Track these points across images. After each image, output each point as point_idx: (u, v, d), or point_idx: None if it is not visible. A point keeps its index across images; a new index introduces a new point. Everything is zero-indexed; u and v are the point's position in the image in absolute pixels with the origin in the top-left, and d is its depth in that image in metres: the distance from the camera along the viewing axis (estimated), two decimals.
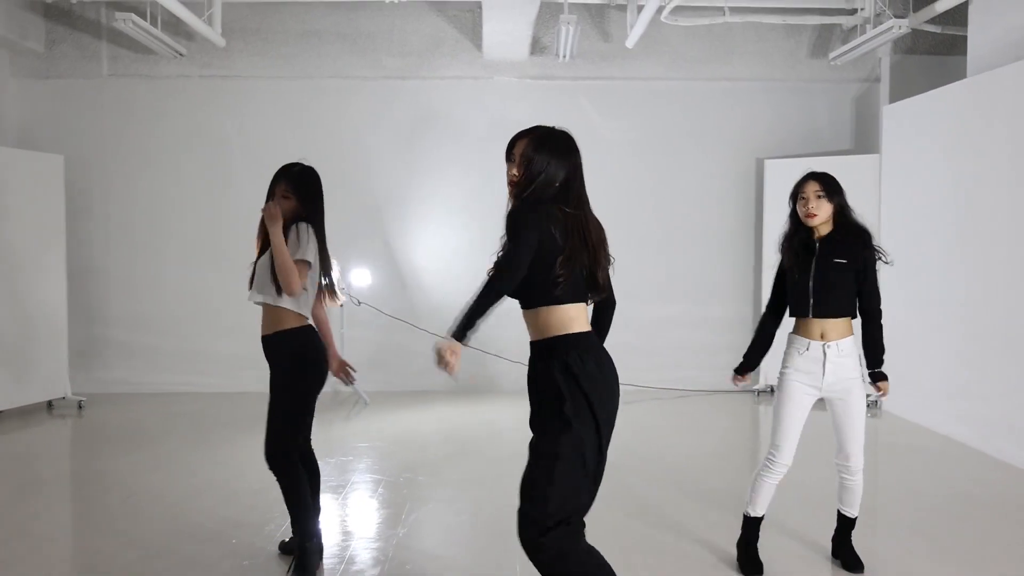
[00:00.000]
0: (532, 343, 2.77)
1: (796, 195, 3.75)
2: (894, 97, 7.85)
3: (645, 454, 6.04)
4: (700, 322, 8.42)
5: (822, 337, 3.65)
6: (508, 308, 2.78)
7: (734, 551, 3.94)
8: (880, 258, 3.72)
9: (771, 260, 8.20)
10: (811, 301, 3.66)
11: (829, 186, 3.71)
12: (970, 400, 6.31)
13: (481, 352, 7.49)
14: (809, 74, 8.42)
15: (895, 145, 7.46)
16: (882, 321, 3.77)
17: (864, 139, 8.33)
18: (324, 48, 8.35)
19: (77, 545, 4.31)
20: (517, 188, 2.76)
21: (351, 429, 6.97)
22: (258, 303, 3.74)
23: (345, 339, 8.00)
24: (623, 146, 8.40)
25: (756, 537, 3.86)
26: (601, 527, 3.19)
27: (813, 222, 3.67)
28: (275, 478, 3.71)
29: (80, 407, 7.57)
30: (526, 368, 2.83)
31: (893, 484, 5.55)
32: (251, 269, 3.81)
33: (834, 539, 3.98)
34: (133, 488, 5.14)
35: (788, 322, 3.88)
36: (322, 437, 6.72)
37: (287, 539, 4.03)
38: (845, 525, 3.91)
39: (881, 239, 7.60)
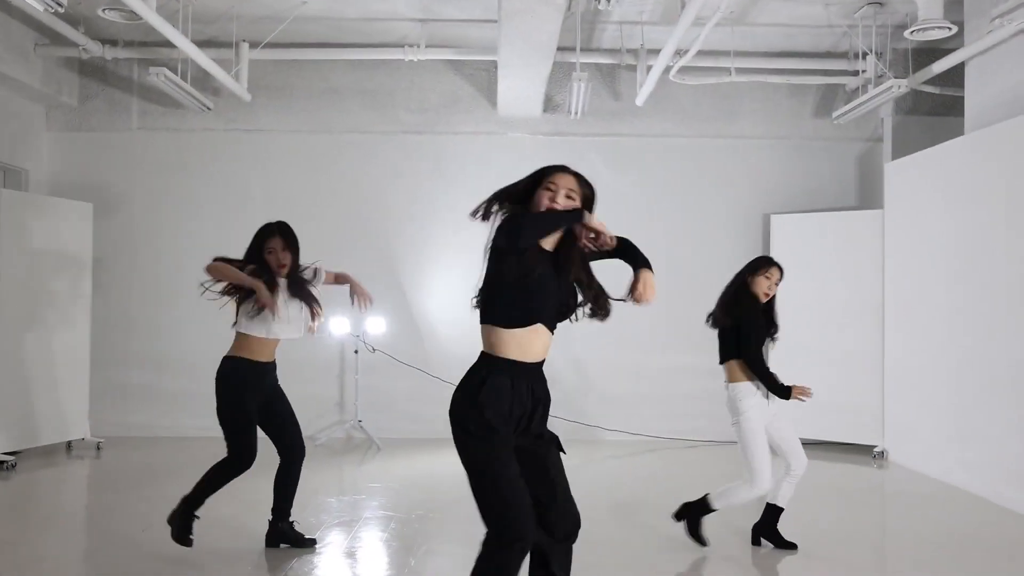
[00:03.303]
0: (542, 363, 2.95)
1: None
2: (896, 156, 8.06)
3: (634, 500, 6.13)
4: (709, 373, 8.49)
5: None
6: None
7: None
8: None
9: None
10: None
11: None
12: (971, 447, 6.39)
13: None
14: (813, 132, 8.68)
15: (898, 201, 7.66)
16: None
17: (868, 196, 8.54)
18: (345, 104, 8.68)
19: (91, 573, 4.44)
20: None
21: (364, 471, 7.09)
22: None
23: (359, 385, 8.18)
24: (632, 200, 8.61)
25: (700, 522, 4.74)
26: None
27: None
28: None
29: (98, 448, 7.73)
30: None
31: (897, 530, 5.62)
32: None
33: (761, 527, 4.76)
34: (148, 520, 5.25)
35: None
36: (335, 478, 6.88)
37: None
38: (776, 514, 4.70)
39: (885, 290, 7.77)
